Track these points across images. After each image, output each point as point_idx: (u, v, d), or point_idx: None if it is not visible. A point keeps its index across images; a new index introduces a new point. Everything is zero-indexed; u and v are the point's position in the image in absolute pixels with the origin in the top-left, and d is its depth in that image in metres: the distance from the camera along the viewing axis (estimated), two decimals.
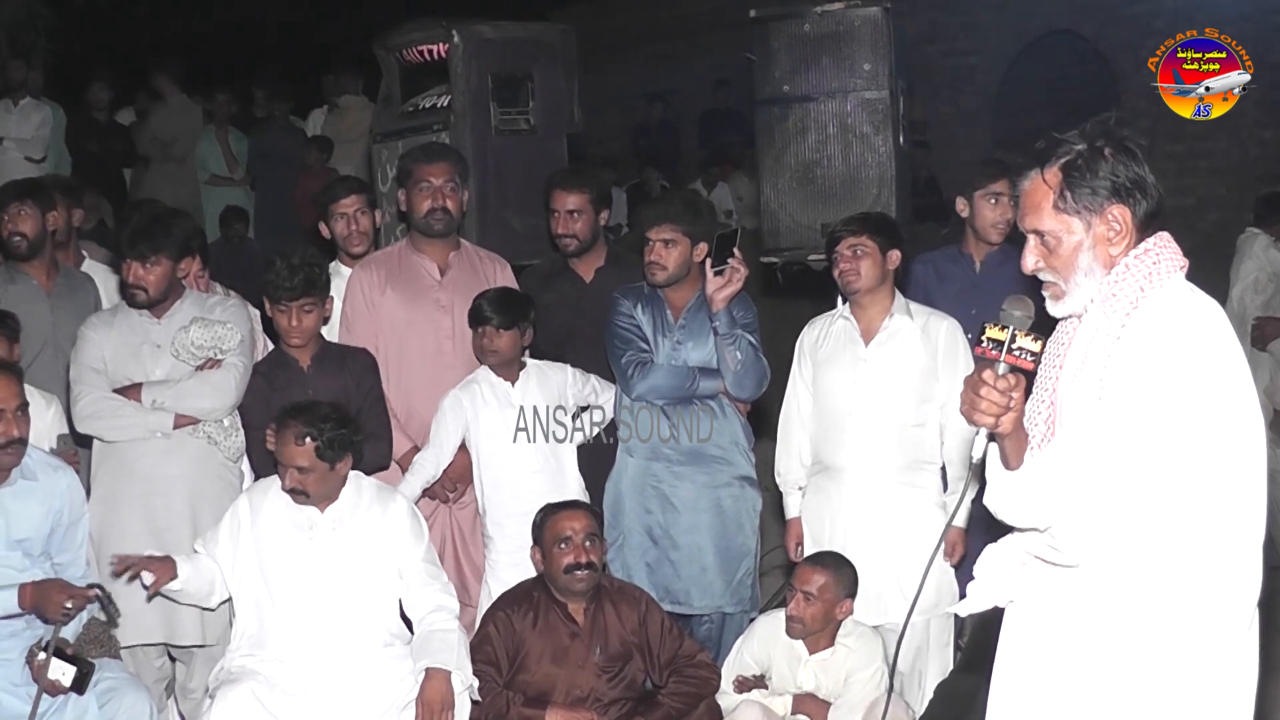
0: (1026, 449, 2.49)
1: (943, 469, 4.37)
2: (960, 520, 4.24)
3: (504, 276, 4.83)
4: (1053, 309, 2.52)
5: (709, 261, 4.33)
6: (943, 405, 4.26)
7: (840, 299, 4.47)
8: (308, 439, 3.80)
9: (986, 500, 2.60)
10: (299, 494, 3.86)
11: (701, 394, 4.44)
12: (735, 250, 4.32)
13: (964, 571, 4.21)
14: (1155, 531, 2.33)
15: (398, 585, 3.95)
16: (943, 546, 4.20)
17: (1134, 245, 2.43)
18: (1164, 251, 2.43)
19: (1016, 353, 2.43)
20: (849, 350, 4.32)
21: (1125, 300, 2.40)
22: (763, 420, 4.74)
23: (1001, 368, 2.43)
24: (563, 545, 4.05)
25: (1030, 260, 2.50)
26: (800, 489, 4.45)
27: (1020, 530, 2.55)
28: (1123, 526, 2.34)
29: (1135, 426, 2.31)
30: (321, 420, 3.82)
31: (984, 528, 2.81)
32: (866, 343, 4.31)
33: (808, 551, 4.36)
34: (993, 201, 4.73)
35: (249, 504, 4.00)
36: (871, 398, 4.27)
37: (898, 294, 4.36)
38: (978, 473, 2.55)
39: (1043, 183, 2.45)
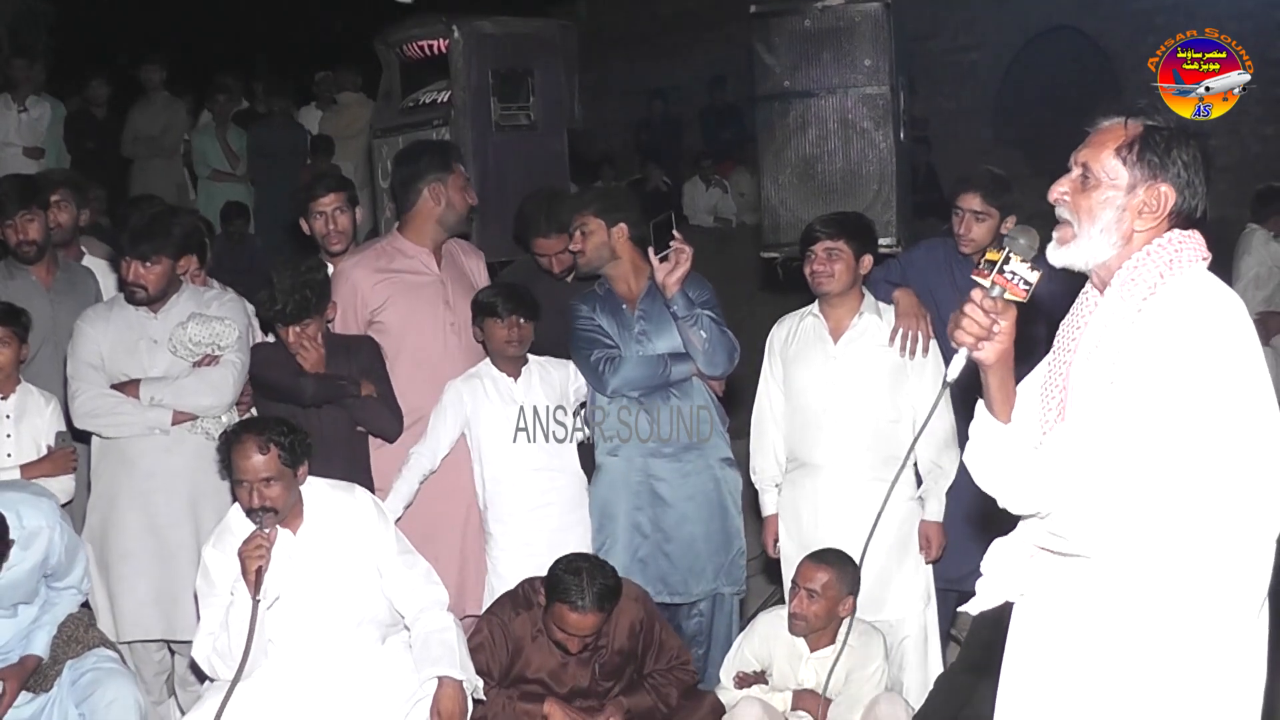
0: (1014, 403, 2.50)
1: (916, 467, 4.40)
2: (936, 515, 4.31)
3: (483, 270, 4.82)
4: (1053, 254, 2.48)
5: (652, 250, 4.32)
6: (914, 402, 4.29)
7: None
8: (272, 446, 3.63)
9: (966, 456, 2.58)
10: (267, 512, 3.62)
11: (675, 379, 4.41)
12: (675, 232, 4.31)
13: (947, 561, 4.31)
14: (1164, 519, 2.31)
15: (379, 583, 3.85)
16: (926, 546, 4.32)
17: (1158, 234, 2.42)
18: (1188, 242, 2.42)
19: (1008, 275, 2.40)
20: (818, 348, 4.35)
21: (1143, 285, 2.38)
22: (735, 414, 4.72)
23: (995, 290, 2.41)
24: (566, 632, 3.97)
25: (1059, 189, 2.47)
26: (776, 486, 4.49)
27: (1023, 519, 2.54)
28: (1131, 514, 2.33)
29: (1146, 412, 2.30)
30: (275, 427, 3.70)
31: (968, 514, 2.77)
32: (835, 340, 4.34)
33: (784, 547, 4.42)
34: (958, 215, 4.59)
35: (220, 556, 3.76)
36: (844, 395, 4.30)
37: (866, 294, 4.39)
38: (948, 392, 2.54)
39: (1121, 127, 2.44)
